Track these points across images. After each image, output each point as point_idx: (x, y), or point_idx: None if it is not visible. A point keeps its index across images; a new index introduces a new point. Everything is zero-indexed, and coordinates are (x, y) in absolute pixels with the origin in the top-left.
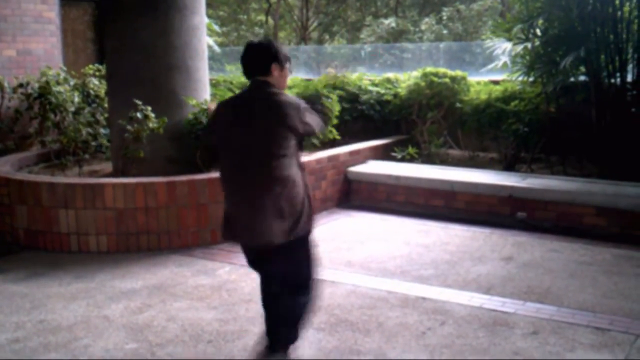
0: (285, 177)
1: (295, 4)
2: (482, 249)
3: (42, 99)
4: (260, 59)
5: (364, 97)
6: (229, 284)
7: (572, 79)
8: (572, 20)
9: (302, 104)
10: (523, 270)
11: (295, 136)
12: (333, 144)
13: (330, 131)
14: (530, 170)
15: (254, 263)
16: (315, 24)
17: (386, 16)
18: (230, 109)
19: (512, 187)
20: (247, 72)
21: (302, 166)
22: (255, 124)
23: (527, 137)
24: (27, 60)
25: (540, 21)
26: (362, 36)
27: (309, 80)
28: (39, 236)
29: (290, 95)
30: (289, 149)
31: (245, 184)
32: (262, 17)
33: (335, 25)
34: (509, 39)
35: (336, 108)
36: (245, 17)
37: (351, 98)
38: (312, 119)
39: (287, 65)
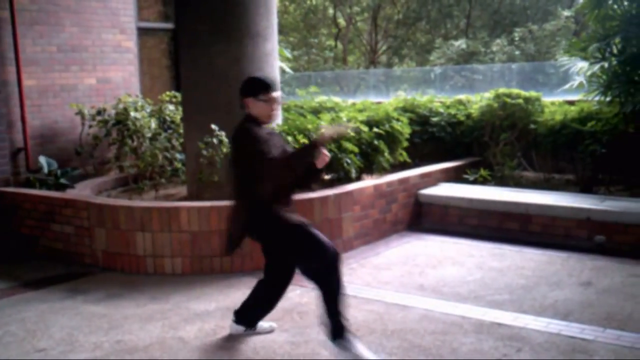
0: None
1: (364, 28)
2: (559, 273)
3: (120, 126)
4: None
5: (435, 119)
6: (300, 306)
7: None
8: None
9: (245, 140)
10: (602, 296)
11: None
12: (403, 166)
13: (401, 154)
14: (608, 192)
15: None
16: (384, 47)
17: (456, 38)
18: None
19: (589, 210)
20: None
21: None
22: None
23: (605, 158)
24: (106, 88)
25: (617, 40)
26: (431, 58)
27: (378, 103)
28: (117, 258)
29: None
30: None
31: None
32: (331, 42)
33: (405, 48)
34: (585, 59)
35: (406, 131)
36: (315, 40)
37: (422, 120)
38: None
39: (263, 95)
